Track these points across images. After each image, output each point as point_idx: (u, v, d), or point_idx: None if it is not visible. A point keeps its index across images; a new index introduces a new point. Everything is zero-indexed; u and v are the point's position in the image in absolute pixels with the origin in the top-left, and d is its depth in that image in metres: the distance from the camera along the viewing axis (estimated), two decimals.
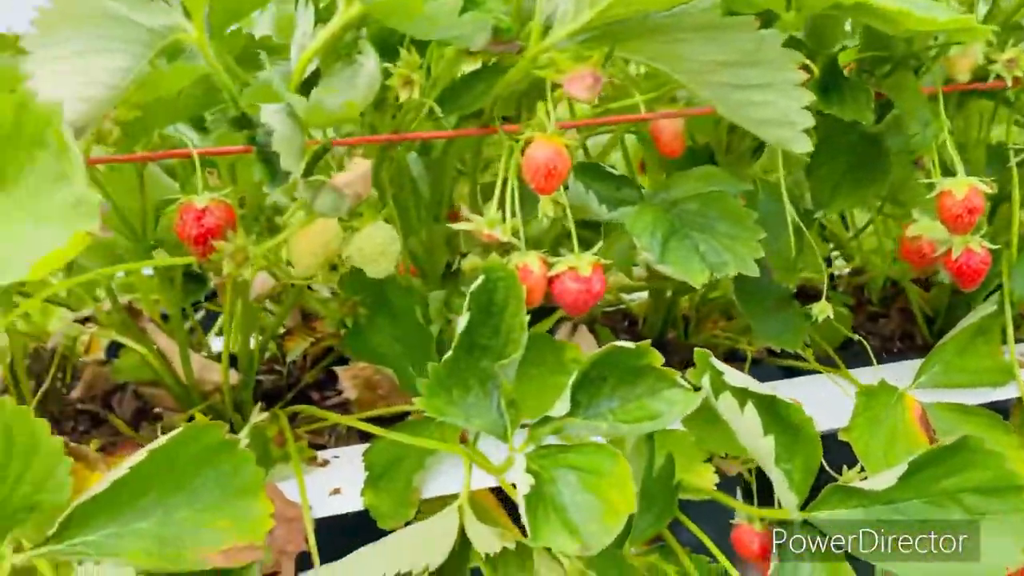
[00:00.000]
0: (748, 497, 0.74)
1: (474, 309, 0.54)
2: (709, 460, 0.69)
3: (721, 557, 0.57)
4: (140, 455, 0.49)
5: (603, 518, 0.50)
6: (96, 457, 0.58)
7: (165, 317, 0.79)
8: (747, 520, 0.66)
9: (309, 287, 0.90)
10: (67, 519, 0.48)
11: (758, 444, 0.50)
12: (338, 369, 0.79)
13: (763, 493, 0.70)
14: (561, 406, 0.55)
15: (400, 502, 0.63)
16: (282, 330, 0.90)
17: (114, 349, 0.79)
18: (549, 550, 0.55)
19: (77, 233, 0.36)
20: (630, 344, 0.53)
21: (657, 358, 0.53)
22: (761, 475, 0.71)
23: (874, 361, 0.72)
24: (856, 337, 0.76)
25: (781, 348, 0.71)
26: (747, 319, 0.70)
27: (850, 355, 0.81)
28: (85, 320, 0.75)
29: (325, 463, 0.68)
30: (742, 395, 0.51)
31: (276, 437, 0.70)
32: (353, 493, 0.64)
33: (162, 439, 0.50)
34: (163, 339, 0.75)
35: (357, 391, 0.78)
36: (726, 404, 0.51)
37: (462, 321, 0.54)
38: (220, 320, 0.97)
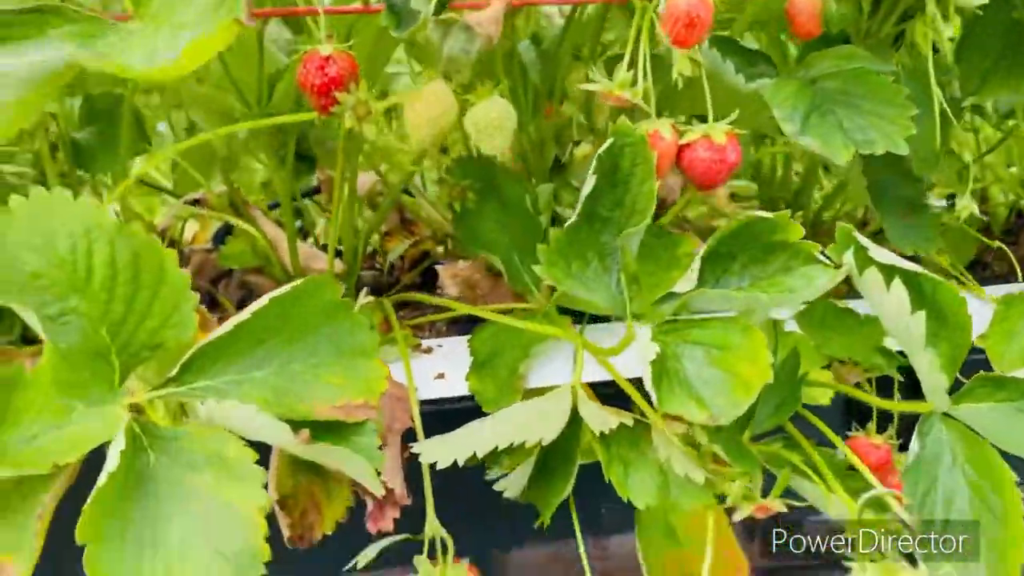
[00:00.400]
0: (861, 411, 0.70)
1: (599, 174, 0.51)
2: (828, 367, 0.65)
3: (848, 451, 0.54)
4: (262, 301, 0.49)
5: (732, 391, 0.48)
6: (211, 318, 0.58)
7: (272, 207, 0.79)
8: (864, 433, 0.63)
9: (409, 192, 0.90)
10: (188, 362, 0.48)
11: (905, 323, 0.47)
12: (439, 267, 0.78)
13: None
14: (686, 282, 0.53)
15: (504, 388, 0.62)
16: (379, 235, 0.89)
17: (220, 238, 0.80)
18: (666, 430, 0.52)
19: (223, 21, 0.35)
20: (768, 214, 0.50)
21: (797, 231, 0.50)
22: (881, 384, 0.67)
23: (1019, 274, 0.67)
24: (995, 244, 0.71)
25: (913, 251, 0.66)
26: (880, 222, 0.66)
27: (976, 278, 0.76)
28: (195, 202, 0.75)
29: (429, 350, 0.67)
30: (889, 271, 0.48)
31: (381, 325, 0.69)
32: (457, 378, 0.63)
33: (284, 288, 0.49)
34: (271, 226, 0.75)
35: (458, 289, 0.76)
36: (871, 280, 0.48)
37: (586, 187, 0.51)
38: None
